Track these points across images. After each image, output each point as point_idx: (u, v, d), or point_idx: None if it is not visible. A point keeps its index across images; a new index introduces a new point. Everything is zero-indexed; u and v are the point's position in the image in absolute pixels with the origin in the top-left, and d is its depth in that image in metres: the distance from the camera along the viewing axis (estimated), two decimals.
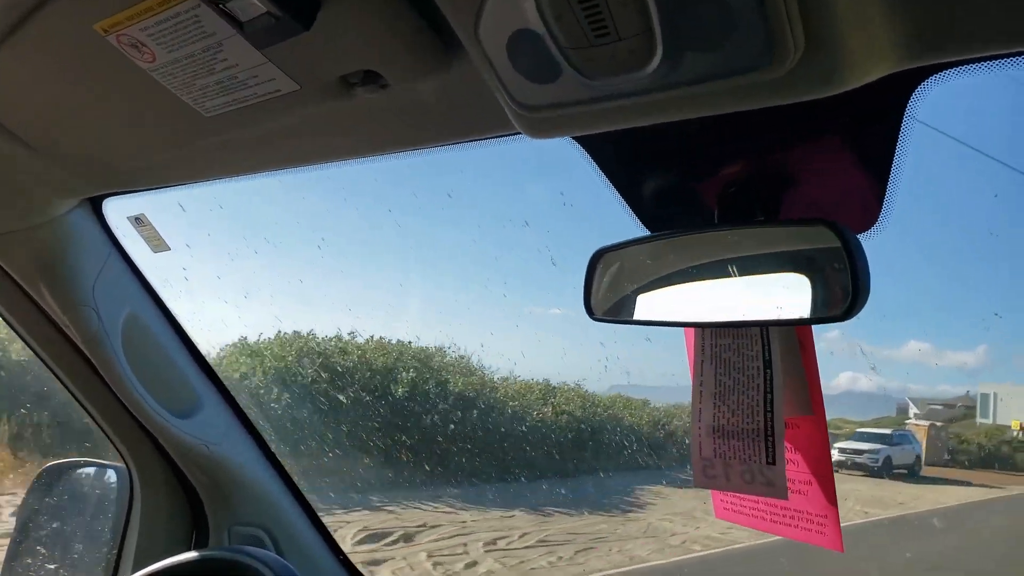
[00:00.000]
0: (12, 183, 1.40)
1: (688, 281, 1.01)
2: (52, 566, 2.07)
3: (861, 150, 0.92)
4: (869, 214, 0.94)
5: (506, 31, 0.73)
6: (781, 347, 0.95)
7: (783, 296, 0.88)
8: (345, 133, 1.11)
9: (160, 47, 0.92)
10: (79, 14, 0.90)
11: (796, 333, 0.97)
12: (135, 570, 1.91)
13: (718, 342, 1.02)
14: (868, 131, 0.89)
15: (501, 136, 1.06)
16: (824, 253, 0.86)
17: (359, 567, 2.13)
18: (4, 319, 1.69)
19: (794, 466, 1.00)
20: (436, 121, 1.04)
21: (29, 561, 2.05)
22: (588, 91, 0.76)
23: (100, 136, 1.22)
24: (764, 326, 0.95)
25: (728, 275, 0.96)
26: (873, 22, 0.66)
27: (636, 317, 1.05)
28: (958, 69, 0.75)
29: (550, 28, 0.69)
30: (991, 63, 0.73)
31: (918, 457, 20.50)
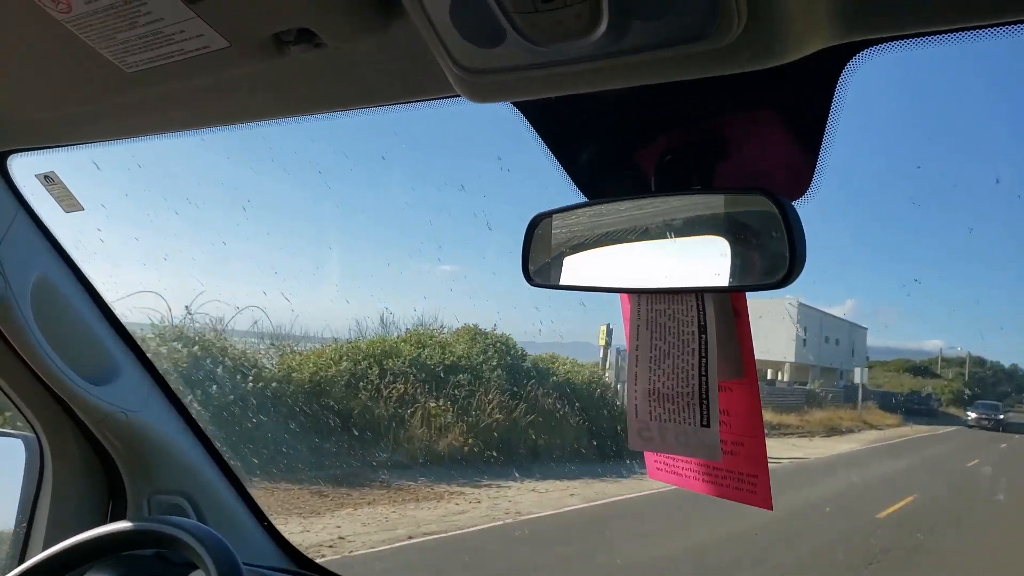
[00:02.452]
0: None
1: (624, 247, 1.02)
2: None
3: (795, 121, 0.95)
4: (801, 182, 0.97)
5: None
6: (716, 312, 0.98)
7: (719, 263, 0.90)
8: (277, 92, 1.06)
9: None
10: None
11: (731, 299, 1.00)
12: (47, 544, 1.84)
13: (654, 307, 1.04)
14: (802, 103, 0.91)
15: (439, 98, 1.04)
16: (760, 221, 0.88)
17: (283, 533, 2.12)
18: None
19: (726, 427, 1.04)
20: (372, 82, 1.01)
21: None
22: (532, 56, 0.75)
23: (4, 88, 1.14)
24: (700, 293, 0.97)
25: (664, 242, 0.97)
26: None
27: (573, 283, 1.06)
28: (889, 44, 0.78)
29: None
30: (923, 39, 0.76)
31: None
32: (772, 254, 0.86)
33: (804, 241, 0.85)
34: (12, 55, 1.04)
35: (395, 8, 0.82)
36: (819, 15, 0.70)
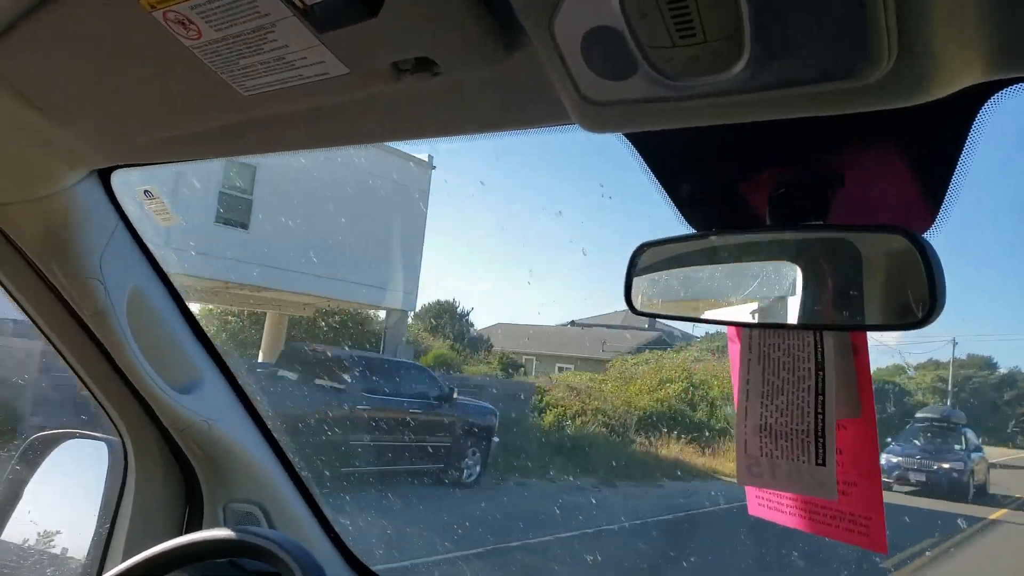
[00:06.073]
0: (22, 152, 1.34)
1: (735, 280, 1.00)
2: (42, 538, 2.03)
3: (925, 157, 0.92)
4: (926, 219, 0.94)
5: (583, 27, 0.70)
6: (835, 349, 0.95)
7: (845, 302, 0.88)
8: (388, 116, 1.07)
9: (208, 25, 0.87)
10: None
11: (850, 337, 0.97)
12: (128, 544, 1.88)
13: (767, 342, 1.02)
14: (935, 138, 0.88)
15: (550, 126, 1.03)
16: (893, 259, 0.85)
17: (349, 546, 2.13)
18: (6, 289, 1.63)
19: (840, 467, 1.01)
20: (485, 109, 1.01)
21: (17, 532, 2.01)
22: (661, 90, 0.73)
23: (122, 109, 1.16)
24: (825, 331, 0.95)
25: (780, 277, 0.95)
26: (967, 33, 0.65)
27: (679, 313, 1.05)
28: None
29: (632, 26, 0.67)
30: None
31: None
32: (908, 293, 0.84)
33: (944, 282, 0.82)
34: (133, 81, 1.06)
35: (517, 39, 0.82)
36: (974, 51, 0.66)
